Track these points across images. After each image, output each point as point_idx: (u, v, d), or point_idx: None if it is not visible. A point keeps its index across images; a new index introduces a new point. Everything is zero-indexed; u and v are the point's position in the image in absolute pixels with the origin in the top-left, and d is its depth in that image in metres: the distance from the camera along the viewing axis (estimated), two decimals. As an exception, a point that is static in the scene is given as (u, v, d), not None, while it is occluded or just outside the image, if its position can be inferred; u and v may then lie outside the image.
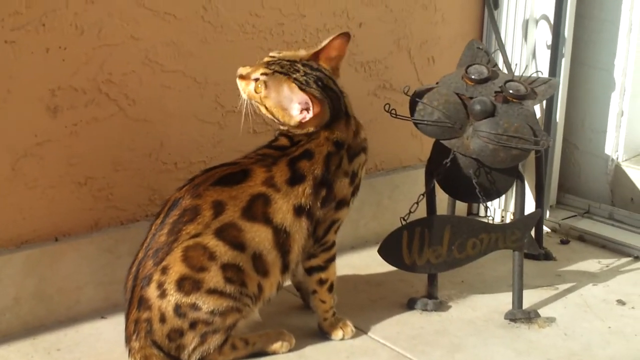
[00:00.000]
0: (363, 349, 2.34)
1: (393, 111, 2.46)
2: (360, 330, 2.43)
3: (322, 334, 2.40)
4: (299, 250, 2.26)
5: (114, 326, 2.45)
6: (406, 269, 2.54)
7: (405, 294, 2.66)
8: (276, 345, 2.31)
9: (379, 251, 2.50)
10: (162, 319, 2.16)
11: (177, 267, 2.15)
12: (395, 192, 3.12)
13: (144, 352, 2.18)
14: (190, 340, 2.17)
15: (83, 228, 2.50)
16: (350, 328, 2.41)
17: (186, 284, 2.15)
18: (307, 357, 2.30)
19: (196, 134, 2.64)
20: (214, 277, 2.15)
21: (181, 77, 2.57)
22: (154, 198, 2.60)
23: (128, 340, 2.23)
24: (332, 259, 2.36)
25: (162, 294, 2.16)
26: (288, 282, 2.42)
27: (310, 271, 2.36)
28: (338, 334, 2.40)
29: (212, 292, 2.15)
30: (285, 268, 2.26)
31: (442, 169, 2.52)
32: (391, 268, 2.83)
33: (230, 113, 2.69)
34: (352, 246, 3.00)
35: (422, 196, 2.56)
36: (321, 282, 2.36)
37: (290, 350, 2.31)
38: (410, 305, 2.58)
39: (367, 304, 2.59)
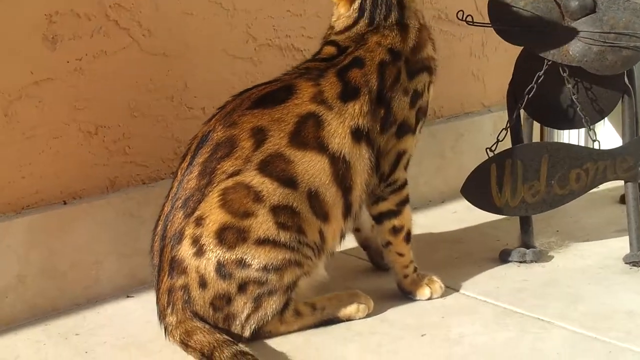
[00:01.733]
0: (459, 308, 1.85)
1: (469, 18, 1.99)
2: (450, 288, 1.94)
3: (403, 295, 1.90)
4: (362, 186, 1.77)
5: (143, 304, 1.96)
6: (496, 211, 2.04)
7: (491, 247, 2.17)
8: (351, 309, 1.81)
9: (463, 191, 2.01)
10: (203, 284, 1.68)
11: (215, 216, 1.67)
12: (459, 142, 2.63)
13: (184, 327, 1.69)
14: (241, 306, 1.68)
15: (97, 188, 2.01)
16: (438, 284, 1.91)
17: (229, 236, 1.66)
18: (391, 321, 1.81)
19: (226, 72, 2.17)
20: (263, 224, 1.67)
21: (205, 3, 2.11)
22: (180, 151, 2.12)
23: (162, 315, 1.73)
24: (405, 201, 1.87)
25: (199, 252, 1.67)
26: (348, 245, 1.94)
27: (380, 218, 1.87)
28: (424, 292, 1.90)
29: (263, 242, 1.67)
30: (347, 210, 1.77)
31: (531, 90, 2.03)
32: (468, 223, 2.35)
33: (265, 47, 2.22)
34: (415, 207, 2.50)
35: (505, 130, 2.07)
36: (395, 230, 1.87)
37: (368, 315, 1.82)
38: (503, 257, 2.08)
39: (449, 262, 2.10)
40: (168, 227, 1.73)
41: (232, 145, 1.71)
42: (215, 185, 1.69)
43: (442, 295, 1.90)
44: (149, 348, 1.74)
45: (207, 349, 1.64)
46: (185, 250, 1.69)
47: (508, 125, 2.08)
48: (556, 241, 2.18)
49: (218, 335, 1.66)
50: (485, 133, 2.71)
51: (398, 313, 1.84)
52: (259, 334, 1.73)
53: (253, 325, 1.71)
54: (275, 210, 1.69)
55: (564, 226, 2.28)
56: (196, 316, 1.70)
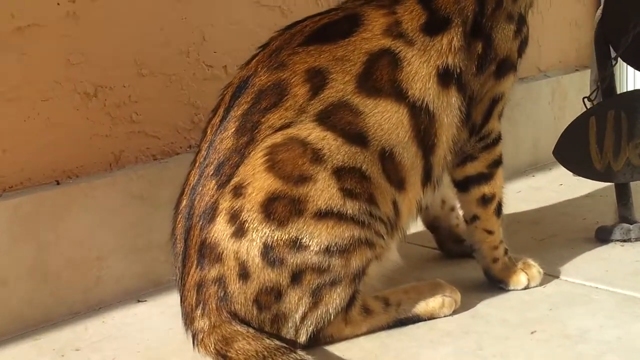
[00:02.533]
0: (568, 297, 1.43)
1: None
2: (549, 275, 1.53)
3: (491, 284, 1.49)
4: (449, 144, 1.37)
5: (160, 309, 1.54)
6: (596, 176, 1.65)
7: (579, 227, 1.77)
8: (434, 304, 1.39)
9: (556, 152, 1.61)
10: (244, 274, 1.26)
11: (259, 182, 1.26)
12: (515, 113, 2.24)
13: (220, 332, 1.26)
14: (296, 302, 1.27)
15: (98, 165, 1.60)
16: (536, 269, 1.49)
17: (279, 208, 1.25)
18: (485, 317, 1.39)
19: (251, 22, 1.77)
20: (324, 191, 1.26)
21: (223, -62, 1.72)
22: (198, 120, 1.71)
23: (189, 319, 1.31)
24: (497, 162, 1.46)
25: (239, 231, 1.26)
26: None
27: (466, 184, 1.46)
28: (519, 279, 1.48)
29: (325, 215, 1.25)
30: (427, 176, 1.37)
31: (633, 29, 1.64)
32: (538, 203, 1.96)
33: (296, -7, 1.83)
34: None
35: (599, 83, 1.68)
36: (485, 200, 1.46)
37: (454, 312, 1.40)
38: (601, 236, 1.68)
39: (534, 245, 1.69)
40: (196, 201, 1.32)
41: (281, 93, 1.29)
42: (259, 142, 1.28)
43: (541, 283, 1.49)
44: (175, 363, 1.33)
45: None
46: (220, 231, 1.27)
47: (600, 75, 1.68)
48: (661, 215, 1.78)
49: (268, 341, 1.24)
50: (542, 101, 2.33)
51: (491, 306, 1.42)
52: (318, 339, 1.31)
53: (310, 327, 1.29)
54: (340, 173, 1.27)
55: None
56: (236, 318, 1.28)
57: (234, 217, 1.27)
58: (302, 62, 1.31)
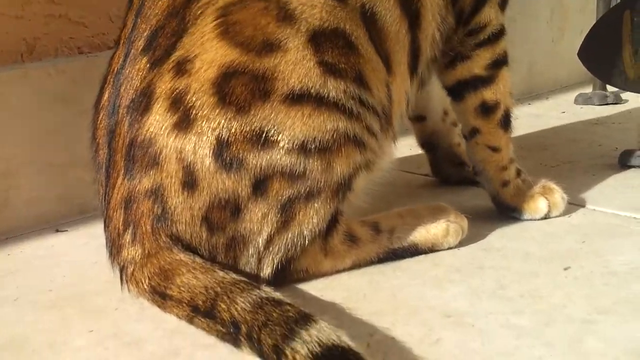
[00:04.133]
0: (603, 228, 1.12)
1: None
2: (571, 203, 1.22)
3: (502, 212, 1.18)
4: (436, 20, 1.05)
5: (84, 241, 1.20)
6: (628, 85, 1.34)
7: (597, 153, 1.46)
8: (436, 231, 1.05)
9: (581, 54, 1.30)
10: (190, 182, 0.92)
11: (210, 54, 0.92)
12: (508, 30, 1.92)
13: (157, 262, 0.93)
14: (258, 220, 0.93)
15: (5, 55, 1.23)
16: (559, 194, 1.17)
17: (237, 88, 0.91)
18: (501, 250, 1.06)
19: None
20: (297, 64, 0.93)
21: None
22: (138, 7, 1.35)
23: (115, 247, 0.97)
24: (499, 63, 1.13)
25: (184, 122, 0.92)
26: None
27: (459, 90, 1.13)
28: (538, 206, 1.16)
29: (299, 99, 0.92)
30: (415, 60, 1.05)
31: None
32: (543, 127, 1.65)
33: None
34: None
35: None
36: (485, 109, 1.13)
37: (461, 243, 1.08)
38: (626, 161, 1.37)
39: (546, 172, 1.34)
40: (122, 89, 0.96)
41: None
42: (207, 1, 0.94)
43: (565, 213, 1.18)
44: (96, 305, 0.98)
45: (203, 299, 0.88)
46: (157, 122, 0.93)
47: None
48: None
49: (221, 274, 0.90)
50: (540, 19, 2.02)
51: (506, 238, 1.10)
52: (288, 273, 0.98)
53: (278, 256, 0.96)
54: (318, 39, 0.94)
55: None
56: (178, 243, 0.94)
57: (176, 102, 0.92)
58: None
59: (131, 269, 0.96)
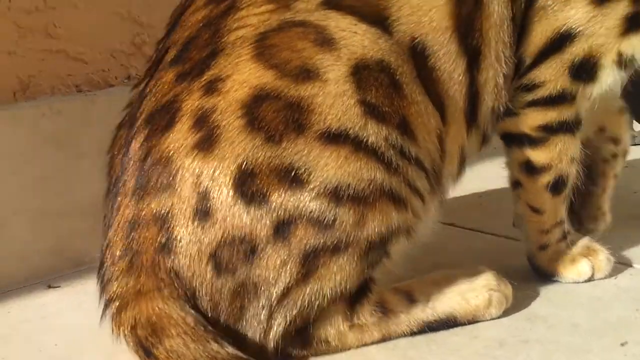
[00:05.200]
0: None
1: None
2: (616, 262, 1.10)
3: (536, 274, 1.06)
4: (499, 59, 0.93)
5: (79, 300, 1.07)
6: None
7: (633, 201, 1.35)
8: (477, 302, 0.92)
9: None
10: (203, 210, 0.81)
11: (242, 75, 0.83)
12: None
13: (148, 309, 0.82)
14: (276, 268, 0.82)
15: (-4, 94, 1.12)
16: (604, 255, 1.04)
17: (268, 113, 0.82)
18: (547, 319, 0.94)
19: None
20: (337, 98, 0.83)
21: None
22: (141, 41, 1.23)
23: (106, 275, 0.86)
24: (557, 129, 0.99)
25: (206, 142, 0.82)
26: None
27: (506, 139, 1.02)
28: (579, 270, 1.03)
29: (335, 139, 0.82)
30: (472, 108, 0.93)
31: None
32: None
33: None
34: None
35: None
36: (529, 167, 1.00)
37: (504, 312, 0.95)
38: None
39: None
40: (145, 100, 0.87)
41: None
42: (236, 21, 0.85)
43: (611, 274, 1.06)
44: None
45: None
46: (178, 140, 0.82)
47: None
48: None
49: (215, 346, 0.80)
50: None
51: (551, 305, 0.97)
52: (305, 343, 0.86)
53: (292, 314, 0.83)
54: (360, 72, 0.84)
55: None
56: (178, 286, 0.82)
57: (201, 120, 0.82)
58: None
59: (117, 305, 0.84)
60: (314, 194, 0.81)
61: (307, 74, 0.83)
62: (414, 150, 0.87)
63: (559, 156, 1.01)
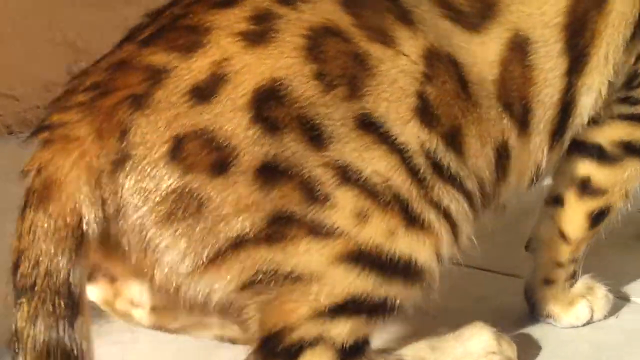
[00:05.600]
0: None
1: None
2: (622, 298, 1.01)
3: (530, 311, 0.97)
4: (605, 76, 0.85)
5: None
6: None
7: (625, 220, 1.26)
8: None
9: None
10: (203, 93, 0.72)
11: (324, 3, 0.78)
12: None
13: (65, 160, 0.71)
14: (229, 209, 0.72)
15: None
16: (602, 293, 0.96)
17: (329, 53, 0.75)
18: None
19: None
20: (399, 77, 0.76)
21: None
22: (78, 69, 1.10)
23: (61, 103, 0.74)
24: (637, 150, 0.92)
25: (251, 38, 0.74)
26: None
27: (570, 147, 0.90)
28: (578, 313, 0.95)
29: (370, 125, 0.75)
30: (563, 118, 0.85)
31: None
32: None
33: None
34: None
35: None
36: (584, 185, 0.92)
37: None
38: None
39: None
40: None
41: None
42: None
43: (610, 313, 0.98)
44: None
45: None
46: (226, 19, 0.75)
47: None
48: None
49: None
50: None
51: (557, 357, 0.89)
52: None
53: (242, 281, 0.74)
54: (432, 57, 0.78)
55: None
56: (120, 146, 0.72)
57: (262, 17, 0.76)
58: None
59: (45, 136, 0.72)
60: (322, 161, 0.72)
61: (384, 38, 0.76)
62: (455, 166, 0.77)
63: (621, 184, 0.93)
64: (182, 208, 0.69)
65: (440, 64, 0.78)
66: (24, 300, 0.69)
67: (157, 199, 0.70)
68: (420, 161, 0.75)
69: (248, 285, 0.73)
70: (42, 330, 0.68)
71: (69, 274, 0.69)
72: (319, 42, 0.74)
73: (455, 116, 0.78)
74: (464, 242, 0.80)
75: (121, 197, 0.70)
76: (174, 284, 0.74)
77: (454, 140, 0.77)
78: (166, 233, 0.70)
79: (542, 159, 0.86)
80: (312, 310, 0.74)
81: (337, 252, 0.73)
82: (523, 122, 0.82)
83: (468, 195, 0.79)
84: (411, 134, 0.75)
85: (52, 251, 0.69)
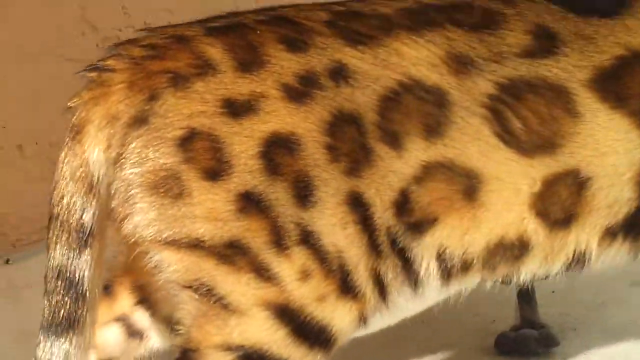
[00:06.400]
0: None
1: None
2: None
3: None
4: None
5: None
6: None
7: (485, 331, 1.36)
8: None
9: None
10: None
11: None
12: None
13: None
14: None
15: None
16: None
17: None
18: None
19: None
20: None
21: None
22: None
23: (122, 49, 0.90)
24: None
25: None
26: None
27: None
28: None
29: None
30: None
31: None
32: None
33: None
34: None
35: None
36: None
37: None
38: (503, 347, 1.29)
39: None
40: None
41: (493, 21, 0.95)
42: None
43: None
44: None
45: None
46: None
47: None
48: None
49: None
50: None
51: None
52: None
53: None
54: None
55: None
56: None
57: None
58: (533, 14, 0.95)
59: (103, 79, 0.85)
60: (297, 219, 0.84)
61: (394, 141, 0.88)
62: (410, 245, 0.90)
63: None
64: (166, 187, 0.80)
65: (441, 175, 0.89)
66: (51, 226, 0.82)
67: (151, 168, 0.81)
68: (382, 239, 0.88)
69: (188, 287, 0.84)
70: (58, 255, 0.82)
71: (83, 212, 0.82)
72: (341, 124, 0.86)
73: (436, 212, 0.90)
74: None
75: (125, 149, 0.82)
76: (134, 240, 0.84)
77: (420, 226, 0.90)
78: (145, 198, 0.81)
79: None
80: (223, 342, 0.83)
81: (267, 298, 0.84)
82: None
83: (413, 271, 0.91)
84: (385, 218, 0.88)
85: (73, 189, 0.82)
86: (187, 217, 0.81)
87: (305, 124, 0.84)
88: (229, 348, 0.83)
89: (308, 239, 0.83)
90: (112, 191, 0.83)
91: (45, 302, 0.85)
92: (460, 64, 0.89)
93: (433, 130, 0.88)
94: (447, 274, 0.91)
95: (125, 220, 0.83)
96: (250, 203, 0.81)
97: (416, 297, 0.95)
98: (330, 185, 0.84)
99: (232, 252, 0.82)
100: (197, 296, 0.83)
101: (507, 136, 0.89)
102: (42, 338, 0.85)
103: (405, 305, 0.96)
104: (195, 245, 0.81)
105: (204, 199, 0.81)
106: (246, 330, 0.83)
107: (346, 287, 0.85)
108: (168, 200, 0.80)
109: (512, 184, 0.90)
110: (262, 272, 0.83)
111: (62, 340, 0.85)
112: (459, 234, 0.90)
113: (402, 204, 0.87)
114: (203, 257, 0.82)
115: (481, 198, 0.89)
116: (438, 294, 1.01)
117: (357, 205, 0.85)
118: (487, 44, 0.90)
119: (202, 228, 0.81)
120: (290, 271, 0.83)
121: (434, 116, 0.88)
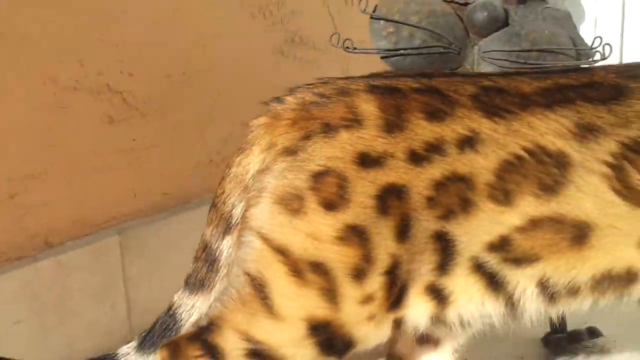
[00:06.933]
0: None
1: (348, 43, 1.36)
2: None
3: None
4: None
5: None
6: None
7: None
8: None
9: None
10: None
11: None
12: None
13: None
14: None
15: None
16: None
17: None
18: None
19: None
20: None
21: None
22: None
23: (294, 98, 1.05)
24: None
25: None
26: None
27: None
28: None
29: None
30: None
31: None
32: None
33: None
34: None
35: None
36: None
37: None
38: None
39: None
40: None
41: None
42: None
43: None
44: None
45: None
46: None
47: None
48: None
49: None
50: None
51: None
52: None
53: None
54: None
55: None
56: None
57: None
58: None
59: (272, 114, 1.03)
60: (393, 250, 0.97)
61: (503, 198, 0.96)
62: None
63: None
64: (289, 201, 0.95)
65: (549, 228, 0.96)
66: (212, 210, 1.03)
67: (285, 184, 0.96)
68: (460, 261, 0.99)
69: (248, 274, 0.97)
70: (209, 233, 1.02)
71: (233, 207, 1.02)
72: (450, 183, 0.96)
73: (540, 254, 0.97)
74: None
75: (269, 167, 0.99)
76: (242, 223, 1.01)
77: (520, 262, 0.98)
78: (269, 202, 0.97)
79: None
80: (246, 331, 0.96)
81: (317, 314, 0.95)
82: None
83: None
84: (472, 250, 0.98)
85: (232, 189, 1.02)
86: (292, 228, 0.95)
87: (416, 180, 0.96)
88: (247, 339, 0.96)
89: (394, 269, 0.95)
90: (248, 187, 1.02)
91: (192, 264, 1.06)
92: (587, 131, 0.96)
93: (549, 188, 0.95)
94: (549, 297, 1.00)
95: (249, 211, 1.00)
96: (353, 233, 0.94)
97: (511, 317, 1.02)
98: (422, 225, 0.96)
99: (310, 270, 0.94)
100: (250, 286, 0.96)
101: (625, 190, 0.95)
102: (182, 289, 1.06)
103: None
104: (282, 250, 0.95)
105: (314, 220, 0.94)
106: (275, 332, 0.96)
107: (393, 306, 0.98)
108: (286, 210, 0.96)
109: (623, 231, 0.96)
110: (329, 293, 0.95)
111: (192, 296, 1.05)
112: (564, 270, 0.98)
113: (500, 246, 0.97)
114: (281, 262, 0.95)
115: (591, 242, 0.96)
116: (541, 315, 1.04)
117: (440, 239, 0.97)
118: (614, 113, 0.97)
119: (297, 241, 0.95)
120: (357, 295, 0.95)
121: (552, 176, 0.95)
